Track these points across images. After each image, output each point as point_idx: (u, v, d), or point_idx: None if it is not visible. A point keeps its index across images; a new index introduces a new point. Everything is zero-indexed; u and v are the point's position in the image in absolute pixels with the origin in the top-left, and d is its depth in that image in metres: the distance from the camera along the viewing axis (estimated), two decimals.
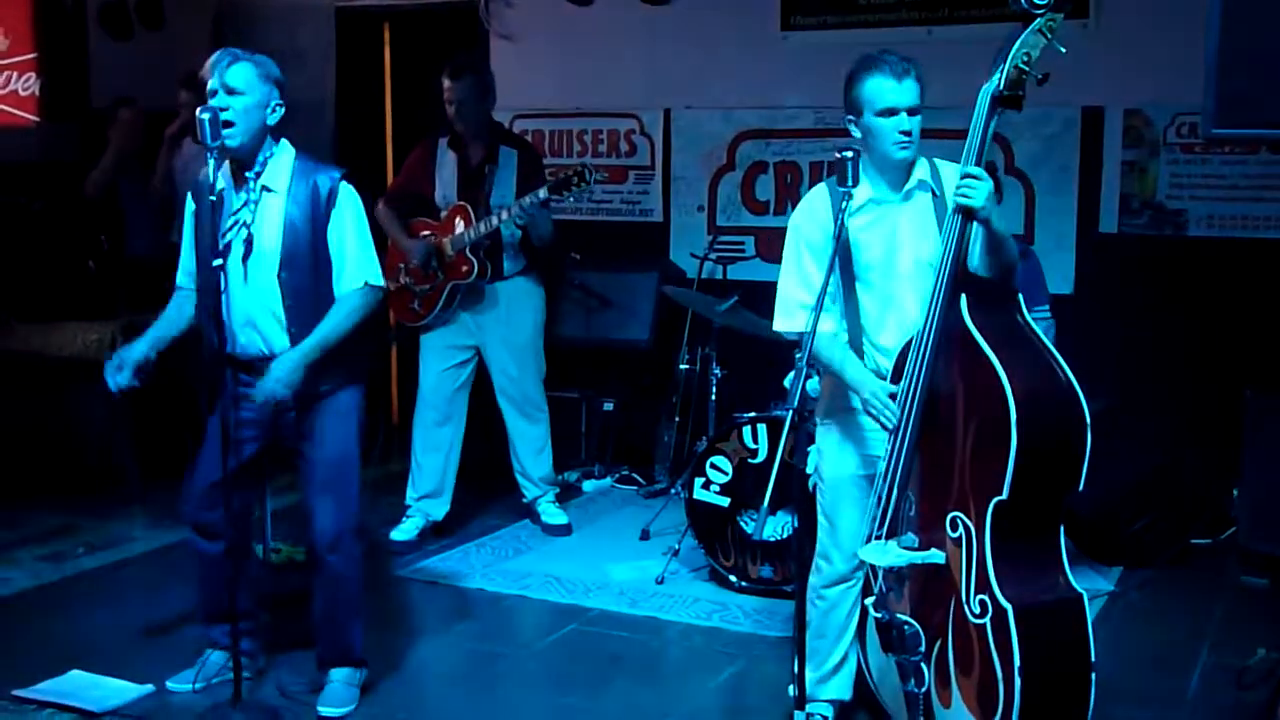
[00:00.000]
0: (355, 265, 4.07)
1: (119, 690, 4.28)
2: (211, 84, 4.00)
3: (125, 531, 5.83)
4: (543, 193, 5.49)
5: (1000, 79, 3.32)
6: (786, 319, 3.75)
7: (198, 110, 3.88)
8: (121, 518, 5.93)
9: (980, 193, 3.33)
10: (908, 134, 3.56)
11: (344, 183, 4.07)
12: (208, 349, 4.03)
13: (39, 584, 5.34)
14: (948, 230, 3.41)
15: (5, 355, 6.49)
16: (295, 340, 4.01)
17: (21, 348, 6.47)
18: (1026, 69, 3.31)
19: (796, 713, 3.50)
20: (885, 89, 3.55)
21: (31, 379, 6.39)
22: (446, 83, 5.70)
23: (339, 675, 4.25)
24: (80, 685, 4.32)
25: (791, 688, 3.56)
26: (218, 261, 3.88)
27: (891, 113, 3.56)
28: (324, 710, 4.18)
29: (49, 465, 6.31)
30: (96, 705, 4.17)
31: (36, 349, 6.42)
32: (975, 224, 3.40)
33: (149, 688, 4.30)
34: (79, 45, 7.45)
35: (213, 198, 3.93)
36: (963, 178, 3.35)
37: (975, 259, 3.50)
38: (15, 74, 7.26)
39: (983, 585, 3.28)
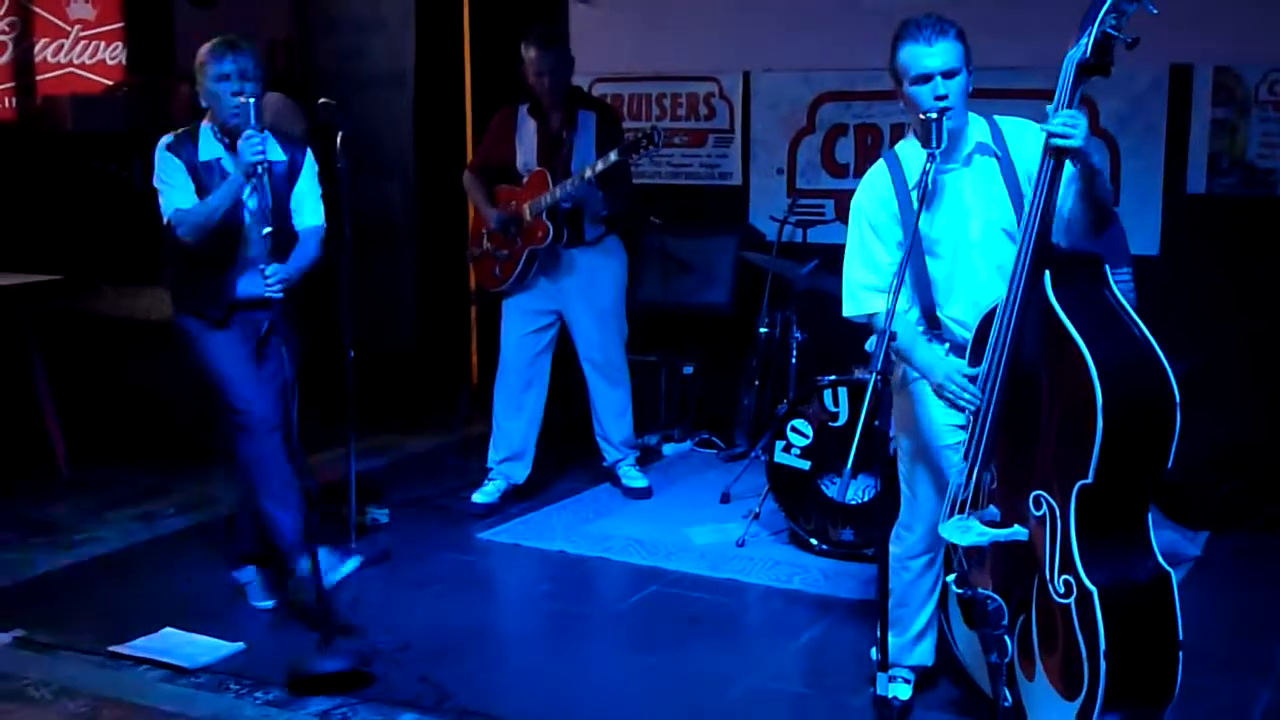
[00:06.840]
0: (315, 208, 4.67)
1: (211, 647, 4.38)
2: (237, 66, 4.33)
3: (215, 493, 5.93)
4: (589, 172, 5.48)
5: (1087, 45, 3.09)
6: (854, 304, 3.65)
7: (238, 97, 4.29)
8: (212, 479, 6.04)
9: (1081, 129, 3.12)
10: (944, 98, 3.41)
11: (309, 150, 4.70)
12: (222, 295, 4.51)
13: (131, 543, 5.46)
14: (1037, 179, 3.21)
15: (97, 319, 6.63)
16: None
17: (112, 312, 6.60)
18: (1116, 34, 3.08)
19: (879, 675, 3.50)
20: (917, 55, 3.43)
21: (122, 342, 6.51)
22: (533, 52, 5.67)
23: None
24: (174, 642, 4.42)
25: (874, 651, 3.56)
26: (267, 230, 4.31)
27: (925, 79, 3.43)
28: (346, 569, 4.63)
29: (140, 427, 6.44)
30: (189, 661, 4.27)
31: (127, 313, 6.55)
32: (1068, 168, 3.20)
33: (240, 645, 4.39)
34: (164, 14, 7.55)
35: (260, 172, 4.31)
36: (1058, 122, 3.12)
37: (1066, 213, 3.31)
38: (103, 43, 7.39)
39: (1067, 566, 3.18)
